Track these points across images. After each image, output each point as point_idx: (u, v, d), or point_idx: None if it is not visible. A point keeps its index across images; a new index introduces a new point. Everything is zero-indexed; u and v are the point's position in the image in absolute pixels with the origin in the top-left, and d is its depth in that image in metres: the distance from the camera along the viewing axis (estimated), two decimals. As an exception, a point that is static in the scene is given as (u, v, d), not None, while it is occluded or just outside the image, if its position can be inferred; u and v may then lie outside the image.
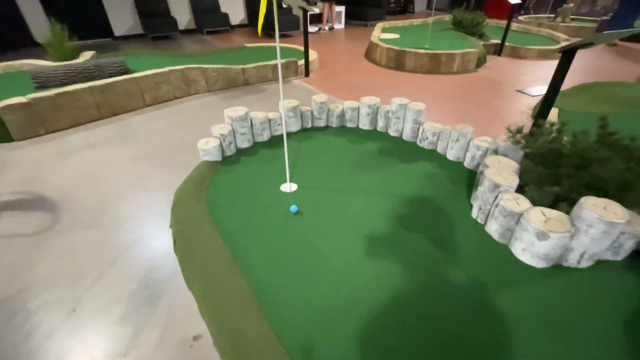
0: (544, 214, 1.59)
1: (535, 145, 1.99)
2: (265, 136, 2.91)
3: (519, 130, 2.15)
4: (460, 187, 2.32)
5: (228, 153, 2.67)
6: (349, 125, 3.20)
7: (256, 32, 8.59)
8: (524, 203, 1.69)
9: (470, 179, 2.40)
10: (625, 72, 5.32)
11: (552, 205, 1.73)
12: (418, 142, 2.86)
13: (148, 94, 3.94)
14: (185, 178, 2.39)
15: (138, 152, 3.00)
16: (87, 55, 4.75)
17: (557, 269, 1.61)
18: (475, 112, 3.88)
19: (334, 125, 3.21)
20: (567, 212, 1.61)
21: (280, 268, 1.67)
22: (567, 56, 2.26)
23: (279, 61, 1.82)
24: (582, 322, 1.39)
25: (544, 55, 6.18)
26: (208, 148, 2.48)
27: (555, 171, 1.84)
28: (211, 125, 2.66)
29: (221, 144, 2.58)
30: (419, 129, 2.82)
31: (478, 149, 2.39)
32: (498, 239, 1.79)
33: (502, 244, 1.77)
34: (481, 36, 6.82)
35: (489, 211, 1.85)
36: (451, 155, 2.62)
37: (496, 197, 1.78)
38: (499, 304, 1.47)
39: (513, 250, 1.70)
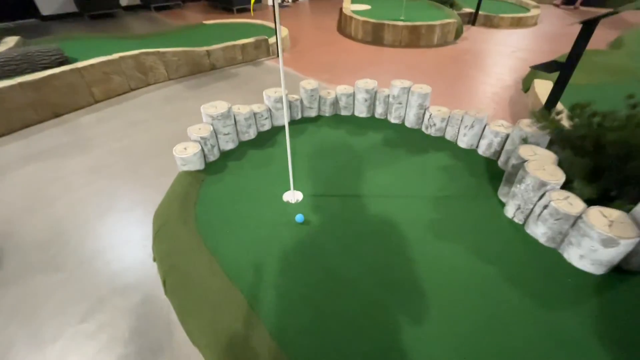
0: (604, 215, 1.41)
1: (571, 132, 1.79)
2: (251, 134, 2.49)
3: (545, 115, 1.95)
4: (482, 179, 2.10)
5: (211, 158, 2.25)
6: (343, 113, 2.85)
7: (210, 5, 7.73)
8: (576, 202, 1.49)
9: (490, 169, 2.19)
10: (593, 39, 5.36)
11: (598, 201, 1.56)
12: (424, 129, 2.59)
13: (97, 88, 3.29)
14: (165, 195, 1.96)
15: (95, 163, 2.47)
16: (9, 42, 3.87)
17: (618, 274, 1.45)
18: (467, 89, 3.67)
19: (327, 114, 2.85)
20: (627, 211, 1.44)
21: (310, 311, 1.36)
22: (588, 28, 2.07)
23: (278, 38, 1.43)
24: (660, 336, 1.25)
25: (516, 24, 6.10)
26: (188, 156, 2.04)
27: (598, 161, 1.67)
28: (180, 119, 2.20)
29: (202, 149, 2.15)
30: (424, 114, 2.55)
31: (496, 136, 2.18)
32: (545, 243, 1.60)
33: (551, 248, 1.59)
34: (452, 5, 6.58)
35: (531, 211, 1.65)
36: (463, 143, 2.39)
37: (541, 196, 1.58)
38: (567, 323, 1.29)
39: (566, 256, 1.52)
